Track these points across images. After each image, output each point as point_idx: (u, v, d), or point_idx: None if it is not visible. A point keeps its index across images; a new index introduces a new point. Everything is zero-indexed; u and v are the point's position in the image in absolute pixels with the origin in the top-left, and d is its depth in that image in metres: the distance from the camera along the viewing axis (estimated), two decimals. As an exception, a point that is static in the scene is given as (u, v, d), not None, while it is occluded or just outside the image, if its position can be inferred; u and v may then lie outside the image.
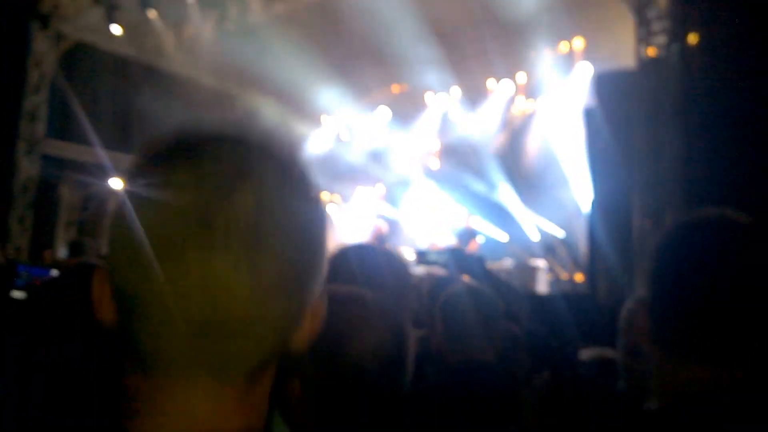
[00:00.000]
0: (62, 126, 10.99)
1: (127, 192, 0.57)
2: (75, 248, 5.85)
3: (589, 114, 7.15)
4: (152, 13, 9.60)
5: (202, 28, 10.11)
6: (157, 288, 0.55)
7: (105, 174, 11.04)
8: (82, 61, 10.81)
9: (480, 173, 10.87)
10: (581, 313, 4.61)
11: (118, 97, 10.71)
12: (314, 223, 0.61)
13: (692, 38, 6.58)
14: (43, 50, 10.65)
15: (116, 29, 9.83)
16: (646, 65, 6.82)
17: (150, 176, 0.57)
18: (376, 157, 12.76)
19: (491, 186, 10.56)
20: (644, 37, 6.84)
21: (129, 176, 0.59)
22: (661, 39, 6.74)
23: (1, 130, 10.91)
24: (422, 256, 6.86)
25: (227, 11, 10.08)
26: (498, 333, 1.92)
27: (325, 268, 0.63)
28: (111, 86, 10.81)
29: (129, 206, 0.56)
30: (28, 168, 10.63)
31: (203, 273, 0.54)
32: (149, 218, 0.55)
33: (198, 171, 0.56)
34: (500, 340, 1.92)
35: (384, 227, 10.32)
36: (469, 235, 9.22)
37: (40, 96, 10.73)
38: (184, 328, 0.55)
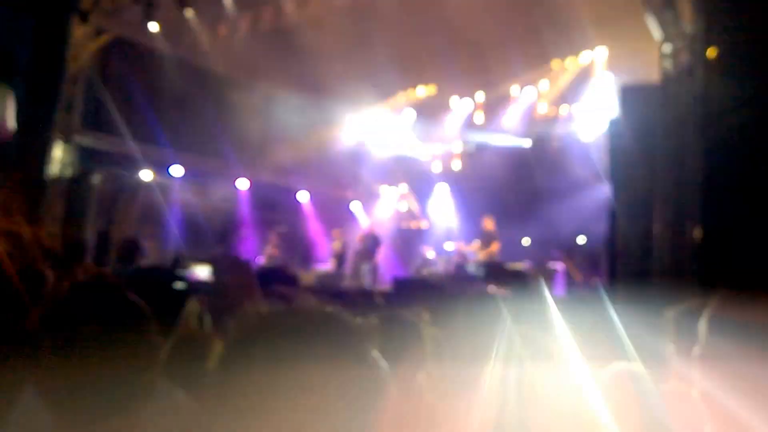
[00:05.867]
0: (97, 118, 11.31)
1: None
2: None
3: (613, 124, 7.39)
4: (189, 12, 9.91)
5: (236, 27, 10.42)
6: None
7: (136, 165, 11.37)
8: (118, 55, 11.14)
9: (502, 176, 11.12)
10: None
11: (152, 91, 11.03)
12: None
13: (712, 52, 6.79)
14: (82, 44, 10.97)
15: (153, 26, 10.14)
16: (670, 79, 7.06)
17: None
18: (400, 157, 13.03)
19: (512, 189, 10.82)
20: (668, 52, 7.07)
21: None
22: (685, 54, 6.97)
23: (38, 120, 11.24)
24: (461, 269, 7.84)
25: (261, 12, 10.39)
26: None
27: None
28: (146, 81, 11.12)
29: None
30: (62, 157, 10.94)
31: None
32: None
33: None
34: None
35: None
36: (489, 237, 9.50)
37: (77, 88, 11.05)
38: None
